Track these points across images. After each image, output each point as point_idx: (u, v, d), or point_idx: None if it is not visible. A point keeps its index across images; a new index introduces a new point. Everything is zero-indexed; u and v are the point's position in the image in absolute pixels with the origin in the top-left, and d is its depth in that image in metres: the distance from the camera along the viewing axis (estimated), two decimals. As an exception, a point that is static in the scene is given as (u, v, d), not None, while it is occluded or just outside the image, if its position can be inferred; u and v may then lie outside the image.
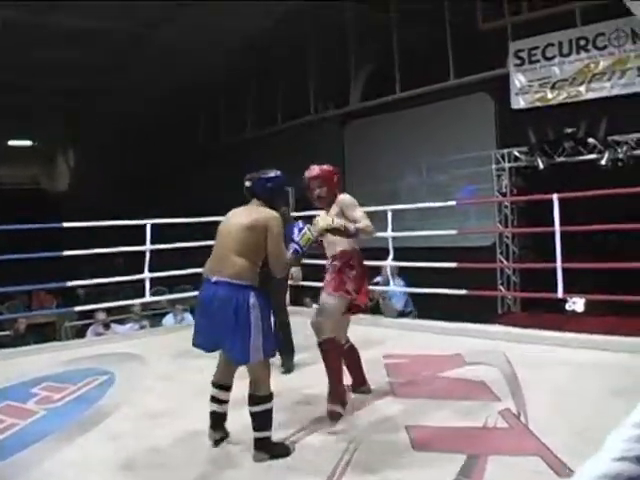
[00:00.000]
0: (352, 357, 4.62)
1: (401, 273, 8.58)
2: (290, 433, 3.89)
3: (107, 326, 9.12)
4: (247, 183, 3.82)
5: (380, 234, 7.65)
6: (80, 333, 9.90)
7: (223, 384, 3.76)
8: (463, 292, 6.95)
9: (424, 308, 8.18)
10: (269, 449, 3.55)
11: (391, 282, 8.14)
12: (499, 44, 10.87)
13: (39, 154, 22.14)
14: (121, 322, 9.58)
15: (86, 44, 12.21)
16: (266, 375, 3.58)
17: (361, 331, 6.76)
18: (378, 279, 8.40)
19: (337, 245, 4.35)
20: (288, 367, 5.50)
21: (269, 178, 3.81)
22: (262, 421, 3.54)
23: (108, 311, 9.25)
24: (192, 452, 3.69)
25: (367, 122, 13.52)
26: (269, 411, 3.56)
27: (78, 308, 9.09)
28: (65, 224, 7.30)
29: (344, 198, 4.32)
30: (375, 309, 8.38)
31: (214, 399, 3.76)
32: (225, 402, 3.78)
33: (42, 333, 9.64)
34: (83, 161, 22.11)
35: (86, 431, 4.18)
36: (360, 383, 4.66)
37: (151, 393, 4.96)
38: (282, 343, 5.39)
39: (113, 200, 17.02)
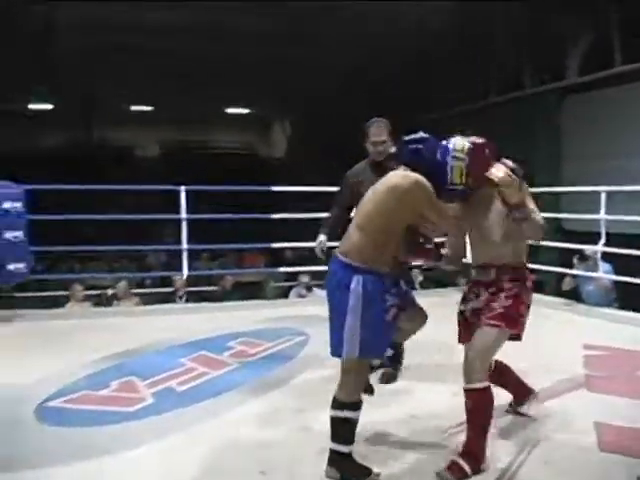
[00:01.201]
0: (505, 375, 3.68)
1: (606, 260, 7.89)
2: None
3: (309, 289, 9.46)
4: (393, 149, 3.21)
5: (592, 216, 7.26)
6: (283, 294, 10.34)
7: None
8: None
9: (628, 299, 7.57)
10: (342, 468, 2.98)
11: (600, 268, 7.60)
12: None
13: (255, 121, 23.30)
14: (323, 287, 9.83)
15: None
16: (356, 378, 3.05)
17: (560, 316, 6.52)
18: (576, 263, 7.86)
19: (500, 250, 3.18)
20: (388, 376, 4.57)
21: (416, 139, 3.07)
22: (337, 431, 3.00)
23: (312, 274, 9.60)
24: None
25: (585, 97, 12.67)
26: (347, 421, 2.98)
27: (282, 269, 9.54)
28: (274, 187, 7.69)
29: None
30: (573, 295, 7.91)
31: None
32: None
33: (247, 291, 10.15)
34: (298, 129, 22.89)
35: (273, 387, 4.39)
36: (522, 397, 3.80)
37: (343, 357, 5.04)
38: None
39: (325, 167, 17.44)
